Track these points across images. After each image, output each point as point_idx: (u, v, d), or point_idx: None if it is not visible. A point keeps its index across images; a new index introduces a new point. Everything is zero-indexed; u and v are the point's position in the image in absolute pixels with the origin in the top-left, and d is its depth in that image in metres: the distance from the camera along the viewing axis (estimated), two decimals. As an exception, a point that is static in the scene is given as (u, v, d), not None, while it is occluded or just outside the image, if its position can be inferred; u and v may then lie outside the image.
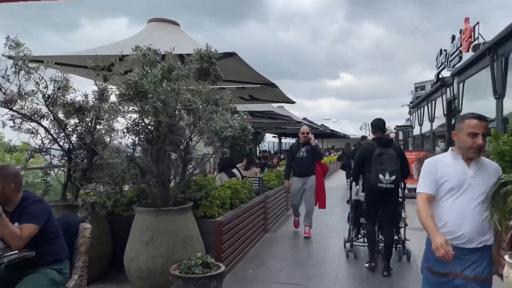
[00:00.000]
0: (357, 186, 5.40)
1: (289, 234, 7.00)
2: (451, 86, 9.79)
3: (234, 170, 7.61)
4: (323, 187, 7.00)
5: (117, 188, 4.33)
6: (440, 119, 13.05)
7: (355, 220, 5.54)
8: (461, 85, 9.39)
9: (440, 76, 11.73)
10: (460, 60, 9.24)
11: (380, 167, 4.60)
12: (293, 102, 10.43)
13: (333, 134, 34.40)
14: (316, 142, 6.98)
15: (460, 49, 9.17)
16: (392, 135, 32.36)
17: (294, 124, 18.13)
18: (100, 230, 4.47)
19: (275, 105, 16.91)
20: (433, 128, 13.15)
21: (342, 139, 38.66)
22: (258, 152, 25.51)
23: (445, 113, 10.96)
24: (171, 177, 4.36)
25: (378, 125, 5.06)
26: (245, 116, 4.39)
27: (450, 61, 10.05)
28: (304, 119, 23.85)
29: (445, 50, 10.73)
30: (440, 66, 11.20)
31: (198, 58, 4.45)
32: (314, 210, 6.82)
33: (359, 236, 5.64)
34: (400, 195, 5.26)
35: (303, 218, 6.88)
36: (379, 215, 4.96)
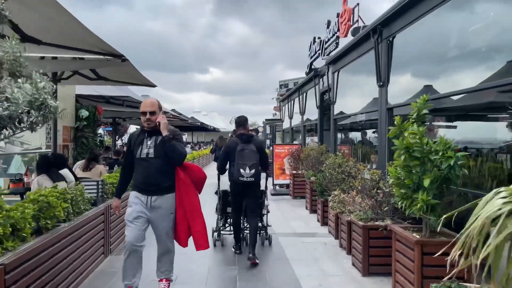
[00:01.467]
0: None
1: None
2: (326, 76, 9.21)
3: (64, 171, 5.48)
4: (199, 213, 3.90)
5: None
6: (310, 113, 12.67)
7: (222, 210, 5.91)
8: (335, 74, 8.84)
9: (313, 66, 11.25)
10: (336, 47, 8.69)
11: (241, 162, 5.01)
12: (153, 86, 8.67)
13: (204, 128, 33.15)
14: (176, 131, 3.95)
15: (337, 34, 8.62)
16: (261, 129, 32.74)
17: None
18: None
19: (138, 92, 14.74)
20: (304, 121, 12.73)
21: (212, 133, 37.82)
22: (122, 146, 22.82)
23: (317, 105, 10.45)
24: None
25: (240, 122, 5.43)
26: (43, 83, 2.50)
27: (325, 49, 9.51)
28: (173, 110, 21.98)
29: (319, 38, 10.21)
30: (314, 55, 10.67)
31: None
32: (174, 251, 3.98)
33: (227, 225, 6.06)
34: (264, 185, 5.85)
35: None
36: (243, 205, 5.44)
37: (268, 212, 6.00)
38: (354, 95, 8.45)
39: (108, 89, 10.62)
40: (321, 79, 10.41)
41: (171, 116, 16.74)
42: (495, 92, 4.17)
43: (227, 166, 5.42)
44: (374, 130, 10.39)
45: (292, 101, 15.03)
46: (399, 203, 3.78)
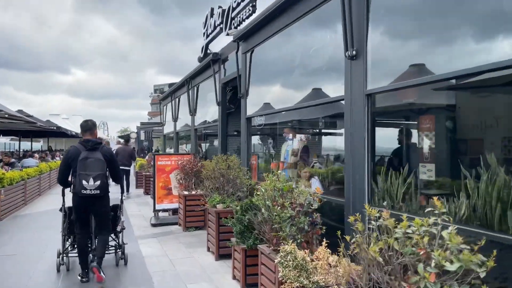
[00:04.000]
0: None
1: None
2: (230, 61, 6.48)
3: None
4: None
5: None
6: (204, 112, 9.84)
7: (69, 230, 5.10)
8: (248, 55, 6.21)
9: (209, 51, 8.47)
10: (253, 12, 6.01)
11: (83, 172, 4.45)
12: None
13: (63, 133, 27.44)
14: None
15: (254, -8, 5.94)
16: (133, 135, 28.58)
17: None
18: None
19: None
20: (195, 124, 9.83)
21: (75, 139, 31.96)
22: None
23: (218, 101, 7.67)
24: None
25: (86, 126, 4.83)
26: None
27: (233, 19, 6.74)
28: (19, 111, 16.78)
29: (220, 7, 7.39)
30: (212, 31, 7.82)
31: None
32: None
33: (75, 246, 5.02)
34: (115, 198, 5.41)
35: None
36: (91, 224, 4.83)
37: (123, 228, 5.41)
38: (280, 83, 5.93)
39: None
40: (222, 66, 7.67)
41: (6, 116, 12.10)
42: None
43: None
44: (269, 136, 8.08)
45: (177, 99, 11.96)
46: None
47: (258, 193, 3.75)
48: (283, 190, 3.66)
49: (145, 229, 7.67)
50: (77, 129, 30.66)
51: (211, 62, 7.72)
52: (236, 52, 6.44)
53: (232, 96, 8.17)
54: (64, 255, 5.07)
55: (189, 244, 6.49)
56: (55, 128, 22.07)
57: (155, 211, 8.27)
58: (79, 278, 4.65)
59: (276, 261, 3.18)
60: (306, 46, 4.93)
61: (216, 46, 8.09)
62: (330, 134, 6.73)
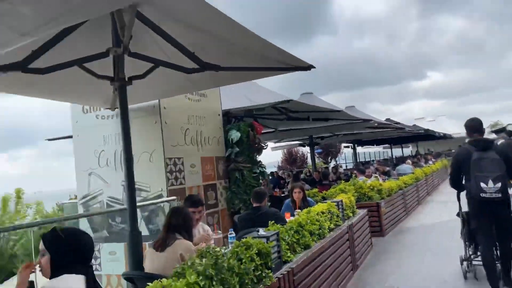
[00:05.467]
0: None
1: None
2: None
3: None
4: None
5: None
6: None
7: (469, 236, 4.89)
8: None
9: None
10: None
11: (480, 174, 4.11)
12: (307, 66, 5.19)
13: (430, 135, 26.56)
14: None
15: None
16: (511, 127, 23.86)
17: (359, 125, 11.87)
18: None
19: (335, 99, 11.18)
20: None
21: (442, 141, 30.40)
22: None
23: None
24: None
25: (474, 126, 4.50)
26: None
27: None
28: (388, 119, 17.19)
29: None
30: None
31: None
32: None
33: (478, 253, 4.80)
34: None
35: None
36: (493, 231, 4.35)
37: None
38: None
39: (261, 95, 7.31)
40: None
41: (376, 125, 12.28)
42: None
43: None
44: None
45: None
46: None
47: None
48: None
49: None
50: (444, 130, 29.06)
51: None
52: None
53: None
54: (468, 262, 4.95)
55: None
56: (422, 131, 21.41)
57: None
58: None
59: None
60: None
61: None
62: None
